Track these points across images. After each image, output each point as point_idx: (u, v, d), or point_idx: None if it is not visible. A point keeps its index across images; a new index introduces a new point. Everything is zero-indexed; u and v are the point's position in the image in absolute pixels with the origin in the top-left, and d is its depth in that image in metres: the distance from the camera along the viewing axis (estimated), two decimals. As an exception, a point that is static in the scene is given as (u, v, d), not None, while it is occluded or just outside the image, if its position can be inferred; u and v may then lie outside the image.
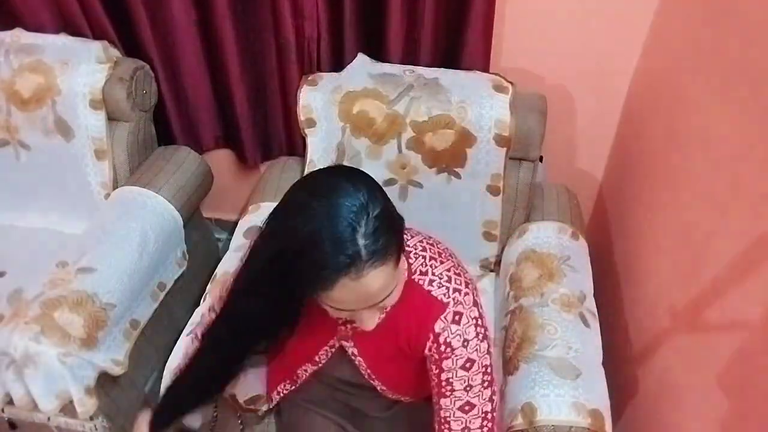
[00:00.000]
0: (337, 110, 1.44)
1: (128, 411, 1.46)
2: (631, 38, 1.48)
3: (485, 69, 1.51)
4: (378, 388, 1.08)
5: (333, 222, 0.73)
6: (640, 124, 1.51)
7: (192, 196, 1.63)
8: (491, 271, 1.56)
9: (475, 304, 0.93)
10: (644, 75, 1.51)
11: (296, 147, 1.72)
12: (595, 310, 1.28)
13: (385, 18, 1.45)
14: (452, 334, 0.90)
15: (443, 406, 0.93)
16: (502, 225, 1.49)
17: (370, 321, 0.85)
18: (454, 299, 0.91)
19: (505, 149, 1.39)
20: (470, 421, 0.92)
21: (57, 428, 1.42)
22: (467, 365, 0.90)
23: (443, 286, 0.92)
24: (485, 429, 0.93)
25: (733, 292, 0.95)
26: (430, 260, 0.94)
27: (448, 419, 0.92)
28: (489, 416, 0.93)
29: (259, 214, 1.51)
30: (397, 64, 1.51)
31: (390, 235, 0.76)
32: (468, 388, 0.91)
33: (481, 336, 0.91)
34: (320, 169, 0.86)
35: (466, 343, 0.90)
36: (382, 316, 0.93)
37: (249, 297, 0.87)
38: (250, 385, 1.19)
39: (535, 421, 1.06)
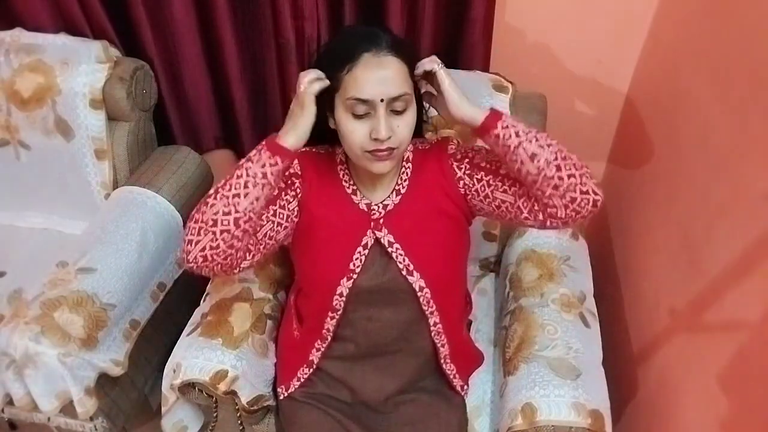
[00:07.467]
0: (337, 110, 1.44)
1: (128, 411, 1.46)
2: (630, 38, 1.49)
3: (485, 69, 1.51)
4: (416, 286, 1.08)
5: (365, 27, 0.99)
6: (640, 124, 1.51)
7: (192, 196, 1.63)
8: (491, 271, 1.56)
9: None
10: (644, 75, 1.51)
11: (296, 147, 1.72)
12: (595, 310, 1.28)
13: (385, 18, 1.45)
14: (462, 147, 1.10)
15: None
16: (502, 225, 1.49)
17: (384, 129, 0.93)
18: (445, 138, 1.14)
19: (505, 149, 1.39)
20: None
21: (57, 428, 1.42)
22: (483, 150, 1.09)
23: (433, 138, 1.16)
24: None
25: (732, 292, 0.95)
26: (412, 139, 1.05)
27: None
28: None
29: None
30: (397, 64, 1.50)
31: (410, 52, 0.99)
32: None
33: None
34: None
35: (473, 146, 1.10)
36: (401, 176, 1.09)
37: None
38: (252, 385, 1.19)
39: (535, 421, 1.06)
